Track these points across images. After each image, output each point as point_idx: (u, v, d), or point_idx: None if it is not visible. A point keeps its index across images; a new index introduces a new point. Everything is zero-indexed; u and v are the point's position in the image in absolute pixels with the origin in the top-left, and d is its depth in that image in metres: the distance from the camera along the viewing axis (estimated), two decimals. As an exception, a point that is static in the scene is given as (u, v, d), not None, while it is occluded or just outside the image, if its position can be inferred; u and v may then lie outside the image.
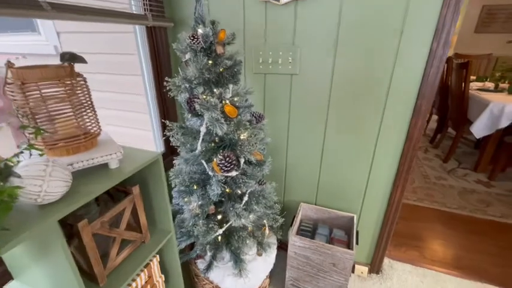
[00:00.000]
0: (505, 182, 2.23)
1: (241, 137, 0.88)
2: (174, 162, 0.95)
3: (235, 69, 0.84)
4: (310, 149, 1.20)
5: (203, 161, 0.86)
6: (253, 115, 0.97)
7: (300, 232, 1.24)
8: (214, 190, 0.84)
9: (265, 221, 1.09)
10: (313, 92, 1.10)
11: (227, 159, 0.85)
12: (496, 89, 2.31)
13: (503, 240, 1.61)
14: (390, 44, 0.94)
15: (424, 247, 1.57)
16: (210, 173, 0.86)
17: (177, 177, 0.91)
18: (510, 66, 2.43)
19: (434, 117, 3.40)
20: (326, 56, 1.02)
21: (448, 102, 2.67)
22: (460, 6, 0.84)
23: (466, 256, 1.50)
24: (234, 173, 0.88)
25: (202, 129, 0.83)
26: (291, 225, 1.18)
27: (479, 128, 2.07)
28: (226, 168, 0.85)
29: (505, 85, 2.33)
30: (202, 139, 0.85)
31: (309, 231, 1.24)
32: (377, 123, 1.06)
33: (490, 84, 2.37)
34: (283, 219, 1.14)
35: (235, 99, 0.89)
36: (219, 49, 0.76)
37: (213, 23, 0.77)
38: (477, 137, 2.12)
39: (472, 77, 2.83)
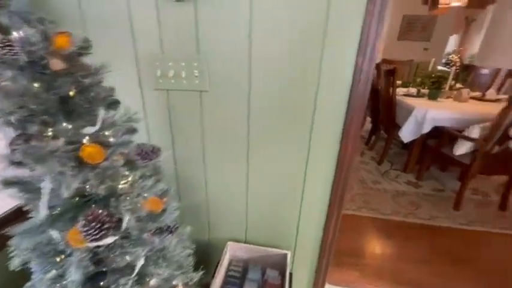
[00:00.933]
0: (430, 181, 2.39)
1: (120, 186, 0.62)
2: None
3: (97, 92, 0.57)
4: (233, 180, 0.99)
5: (53, 232, 0.57)
6: (141, 151, 0.71)
7: (227, 279, 1.03)
8: (72, 275, 0.56)
9: (175, 282, 0.84)
10: (229, 112, 0.89)
11: (96, 222, 0.58)
12: (418, 94, 2.46)
13: (436, 245, 1.66)
14: (313, 60, 0.78)
15: (364, 264, 1.51)
16: (66, 248, 0.57)
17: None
18: (428, 73, 2.61)
19: (369, 118, 3.57)
20: (240, 70, 0.82)
21: (379, 106, 2.79)
22: (383, 21, 0.72)
23: (405, 268, 1.49)
24: (109, 240, 0.62)
25: (45, 186, 0.54)
26: (213, 276, 0.96)
27: (407, 133, 2.16)
28: (95, 237, 0.58)
29: (425, 90, 2.50)
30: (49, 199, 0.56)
31: (238, 277, 1.03)
32: (305, 148, 0.90)
33: (413, 90, 2.52)
34: (200, 273, 0.91)
35: (107, 132, 0.62)
36: (56, 64, 0.49)
37: (41, 20, 0.49)
38: (405, 142, 2.21)
39: (398, 82, 3.03)
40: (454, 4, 2.40)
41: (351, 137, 0.86)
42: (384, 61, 3.83)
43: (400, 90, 2.57)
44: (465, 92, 2.29)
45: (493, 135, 1.69)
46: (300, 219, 1.03)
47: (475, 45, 7.46)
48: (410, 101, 2.29)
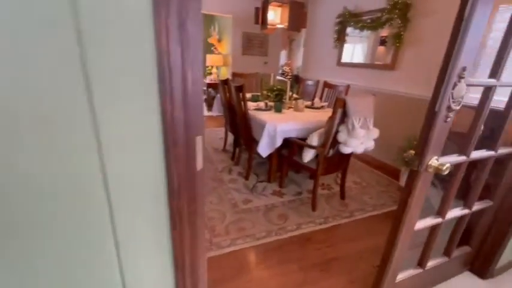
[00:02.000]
0: (291, 186, 2.58)
1: None
2: None
3: None
4: None
5: None
6: None
7: None
8: None
9: None
10: None
11: None
12: (267, 108, 2.60)
13: (305, 255, 1.69)
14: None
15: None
16: None
17: None
18: (270, 86, 2.82)
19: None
20: None
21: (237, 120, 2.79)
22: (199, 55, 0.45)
23: (285, 300, 1.39)
24: None
25: None
26: None
27: (263, 149, 2.19)
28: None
29: (272, 103, 2.68)
30: None
31: None
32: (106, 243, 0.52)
33: (262, 104, 2.64)
34: None
35: None
36: None
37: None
38: (264, 157, 2.24)
39: (249, 96, 3.16)
40: (279, 26, 2.72)
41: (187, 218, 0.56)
42: (235, 75, 3.98)
43: (251, 105, 2.64)
44: (300, 102, 2.61)
45: (327, 142, 1.93)
46: None
47: (298, 60, 9.49)
48: (261, 115, 2.36)
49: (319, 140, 2.02)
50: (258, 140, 2.25)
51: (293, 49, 9.37)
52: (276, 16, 2.68)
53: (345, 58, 3.74)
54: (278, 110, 2.52)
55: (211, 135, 4.14)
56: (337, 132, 1.92)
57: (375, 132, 1.88)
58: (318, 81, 3.31)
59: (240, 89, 2.32)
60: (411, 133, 2.79)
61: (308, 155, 2.08)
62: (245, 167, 2.84)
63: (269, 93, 2.87)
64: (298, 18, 2.62)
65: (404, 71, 2.88)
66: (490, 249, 1.51)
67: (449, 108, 0.91)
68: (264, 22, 2.61)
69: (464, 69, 0.87)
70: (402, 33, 2.79)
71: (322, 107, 2.84)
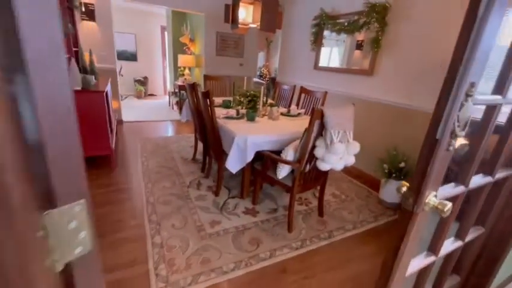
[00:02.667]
0: (265, 201, 2.34)
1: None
2: None
3: None
4: None
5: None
6: None
7: None
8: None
9: None
10: None
11: None
12: (238, 116, 2.34)
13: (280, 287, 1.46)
14: None
15: None
16: None
17: None
18: (243, 91, 2.57)
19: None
20: None
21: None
22: None
23: None
24: None
25: None
26: None
27: (233, 164, 1.93)
28: None
29: (244, 110, 2.43)
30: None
31: None
32: None
33: (233, 112, 2.38)
34: None
35: None
36: None
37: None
38: (234, 172, 1.99)
39: (219, 101, 2.88)
40: (252, 26, 2.48)
41: None
42: (207, 77, 3.68)
43: (221, 112, 2.37)
44: (275, 110, 2.39)
45: (303, 157, 1.72)
46: None
47: (276, 62, 9.35)
48: (231, 125, 2.10)
49: (295, 155, 1.80)
50: (227, 153, 1.99)
51: (271, 51, 9.22)
52: (247, 14, 2.44)
53: (322, 62, 3.58)
54: (251, 118, 2.27)
55: (182, 142, 3.81)
56: (314, 146, 1.71)
57: (356, 146, 1.69)
58: (294, 86, 3.11)
59: (206, 95, 2.05)
60: (390, 141, 2.66)
61: (283, 171, 1.86)
62: (216, 179, 2.56)
63: (242, 99, 2.62)
64: (271, 18, 2.40)
65: (383, 76, 2.76)
66: (479, 279, 1.37)
67: (453, 134, 0.71)
68: (234, 21, 2.36)
69: (472, 85, 0.67)
70: (380, 37, 2.67)
71: (298, 114, 2.64)
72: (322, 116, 1.58)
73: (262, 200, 2.37)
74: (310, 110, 2.83)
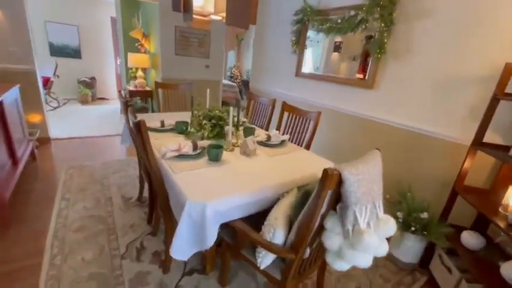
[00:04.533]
0: (238, 278, 1.59)
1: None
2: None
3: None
4: None
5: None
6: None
7: None
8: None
9: None
10: None
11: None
12: (195, 152, 1.54)
13: None
14: None
15: None
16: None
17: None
18: (205, 113, 1.78)
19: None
20: None
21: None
22: None
23: None
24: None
25: None
26: None
27: (182, 247, 1.14)
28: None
29: (205, 142, 1.64)
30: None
31: None
32: None
33: (187, 147, 1.56)
34: None
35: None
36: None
37: None
38: (183, 259, 1.20)
39: (171, 122, 2.04)
40: (214, 17, 1.70)
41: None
42: (158, 85, 2.81)
43: (170, 147, 1.53)
44: (251, 141, 1.63)
45: (303, 243, 0.99)
46: None
47: (248, 62, 8.58)
48: (181, 176, 1.30)
49: (286, 231, 1.07)
50: (177, 220, 1.19)
51: (242, 49, 8.41)
52: (206, 2, 1.65)
53: (306, 67, 2.91)
54: (214, 158, 1.49)
55: (129, 170, 2.89)
56: (321, 227, 0.99)
57: (389, 225, 0.99)
58: (274, 101, 2.38)
59: (137, 128, 1.24)
60: (399, 176, 2.06)
61: (266, 259, 1.12)
62: (164, 242, 1.74)
63: (202, 122, 1.82)
64: (242, 10, 1.63)
65: (387, 91, 2.15)
66: None
67: None
68: (187, 9, 1.56)
69: None
70: (386, 40, 2.04)
71: (282, 142, 1.92)
72: (339, 182, 0.87)
73: (235, 275, 1.61)
74: (297, 136, 2.12)
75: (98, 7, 5.96)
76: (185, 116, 2.29)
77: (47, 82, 5.02)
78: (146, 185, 2.10)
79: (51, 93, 5.26)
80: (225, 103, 6.15)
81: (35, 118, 3.24)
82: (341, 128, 2.55)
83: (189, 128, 1.95)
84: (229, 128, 1.67)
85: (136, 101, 4.44)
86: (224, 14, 1.67)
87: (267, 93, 3.41)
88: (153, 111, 4.65)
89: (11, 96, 2.40)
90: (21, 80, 2.92)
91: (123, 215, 2.10)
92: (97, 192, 2.39)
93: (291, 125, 2.19)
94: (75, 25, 5.87)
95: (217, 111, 1.85)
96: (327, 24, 2.45)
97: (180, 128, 1.93)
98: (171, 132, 1.95)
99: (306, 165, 1.61)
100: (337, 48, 2.70)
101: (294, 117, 2.19)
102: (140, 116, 1.78)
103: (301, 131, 2.08)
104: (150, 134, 1.89)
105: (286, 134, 2.10)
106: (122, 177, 2.71)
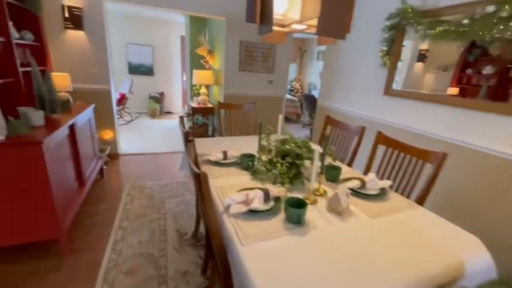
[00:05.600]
0: None
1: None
2: None
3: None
4: None
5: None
6: None
7: None
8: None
9: None
10: None
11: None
12: (267, 206, 1.14)
13: None
14: None
15: None
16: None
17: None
18: (277, 144, 1.38)
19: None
20: None
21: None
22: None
23: None
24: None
25: None
26: None
27: None
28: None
29: (279, 191, 1.23)
30: None
31: None
32: None
33: (256, 198, 1.17)
34: None
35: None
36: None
37: None
38: None
39: (234, 154, 1.69)
40: (297, 27, 1.31)
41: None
42: (222, 106, 2.57)
43: (234, 194, 1.17)
44: (344, 196, 1.15)
45: None
46: None
47: (310, 74, 8.10)
48: (251, 251, 0.90)
49: None
50: None
51: (304, 62, 7.99)
52: (291, 8, 1.27)
53: (401, 83, 2.30)
54: (295, 221, 1.06)
55: (187, 195, 2.70)
56: None
57: None
58: (362, 130, 1.85)
59: (197, 181, 0.90)
60: None
61: None
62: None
63: (274, 159, 1.43)
64: (338, 16, 1.18)
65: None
66: None
67: None
68: (265, 19, 1.20)
69: None
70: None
71: (381, 191, 1.37)
72: None
73: None
74: (403, 182, 1.54)
75: (170, 27, 6.35)
76: (251, 143, 1.95)
77: (122, 98, 5.44)
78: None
79: (126, 108, 5.69)
80: (286, 119, 5.77)
81: (107, 135, 3.38)
82: (469, 172, 1.83)
83: (254, 163, 1.58)
84: (312, 172, 1.23)
85: (198, 117, 4.39)
86: (310, 22, 1.27)
87: (341, 114, 2.88)
88: (213, 128, 4.55)
89: (85, 117, 2.45)
90: (97, 99, 3.05)
91: (177, 256, 1.83)
92: (153, 221, 2.21)
93: (392, 165, 1.61)
94: (150, 45, 6.35)
95: (293, 146, 1.44)
96: (440, 28, 1.83)
97: (246, 164, 1.57)
98: (235, 167, 1.61)
99: (433, 241, 1.04)
100: (421, 57, 2.13)
101: (395, 154, 1.61)
102: (201, 143, 1.48)
103: (408, 175, 1.50)
104: (210, 168, 1.56)
105: (386, 179, 1.55)
106: (178, 204, 2.51)
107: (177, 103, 7.02)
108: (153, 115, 6.29)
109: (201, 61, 4.60)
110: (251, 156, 1.60)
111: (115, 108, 3.46)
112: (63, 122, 1.95)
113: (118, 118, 3.86)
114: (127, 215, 2.28)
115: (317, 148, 1.18)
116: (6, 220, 1.56)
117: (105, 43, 3.08)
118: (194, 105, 4.36)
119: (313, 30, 1.34)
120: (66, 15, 2.83)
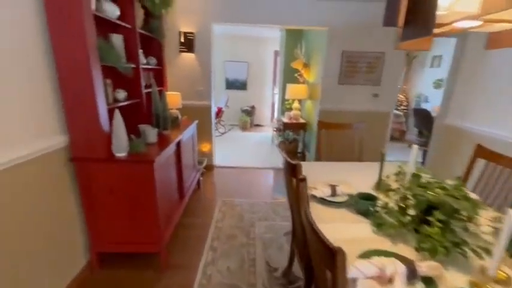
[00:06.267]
0: None
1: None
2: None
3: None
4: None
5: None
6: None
7: None
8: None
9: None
10: None
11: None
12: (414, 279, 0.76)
13: None
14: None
15: None
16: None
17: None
18: (415, 188, 0.97)
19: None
20: None
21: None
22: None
23: None
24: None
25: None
26: None
27: None
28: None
29: (426, 263, 0.83)
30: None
31: None
32: None
33: (397, 275, 0.79)
34: None
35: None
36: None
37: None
38: None
39: (343, 191, 1.33)
40: (467, 24, 0.89)
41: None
42: (322, 125, 2.27)
43: (367, 264, 0.83)
44: None
45: None
46: None
47: (419, 84, 6.81)
48: None
49: None
50: None
51: (413, 70, 6.78)
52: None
53: None
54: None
55: (277, 219, 2.50)
56: None
57: None
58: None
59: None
60: None
61: None
62: None
63: (412, 211, 1.02)
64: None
65: None
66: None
67: None
68: (418, 19, 0.84)
69: None
70: None
71: None
72: None
73: None
74: None
75: (265, 43, 6.54)
76: (361, 173, 1.56)
77: (219, 112, 5.87)
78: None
79: (221, 121, 6.11)
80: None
81: (205, 147, 3.59)
82: None
83: (374, 207, 1.19)
84: (499, 244, 0.76)
85: (289, 133, 4.21)
86: (493, 17, 0.83)
87: (490, 140, 2.10)
88: (304, 144, 4.27)
89: (189, 132, 2.60)
90: (199, 114, 3.27)
91: (266, 298, 1.61)
92: (243, 246, 2.09)
93: None
94: (246, 61, 6.70)
95: (441, 192, 0.99)
96: None
97: (364, 207, 1.20)
98: (346, 208, 1.27)
99: None
100: None
101: None
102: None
103: None
104: (316, 206, 1.26)
105: None
106: (267, 229, 2.32)
107: (266, 116, 7.12)
108: (244, 128, 6.55)
109: (296, 75, 4.44)
110: (371, 198, 1.23)
111: (213, 121, 3.66)
112: (172, 138, 2.07)
113: (214, 130, 4.12)
114: (218, 234, 2.24)
115: (509, 213, 0.72)
116: (125, 229, 1.69)
117: (210, 63, 3.29)
118: (286, 120, 4.21)
119: (490, 27, 0.89)
120: (182, 40, 3.16)
